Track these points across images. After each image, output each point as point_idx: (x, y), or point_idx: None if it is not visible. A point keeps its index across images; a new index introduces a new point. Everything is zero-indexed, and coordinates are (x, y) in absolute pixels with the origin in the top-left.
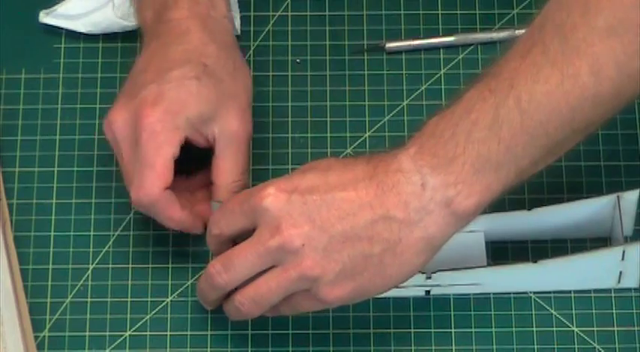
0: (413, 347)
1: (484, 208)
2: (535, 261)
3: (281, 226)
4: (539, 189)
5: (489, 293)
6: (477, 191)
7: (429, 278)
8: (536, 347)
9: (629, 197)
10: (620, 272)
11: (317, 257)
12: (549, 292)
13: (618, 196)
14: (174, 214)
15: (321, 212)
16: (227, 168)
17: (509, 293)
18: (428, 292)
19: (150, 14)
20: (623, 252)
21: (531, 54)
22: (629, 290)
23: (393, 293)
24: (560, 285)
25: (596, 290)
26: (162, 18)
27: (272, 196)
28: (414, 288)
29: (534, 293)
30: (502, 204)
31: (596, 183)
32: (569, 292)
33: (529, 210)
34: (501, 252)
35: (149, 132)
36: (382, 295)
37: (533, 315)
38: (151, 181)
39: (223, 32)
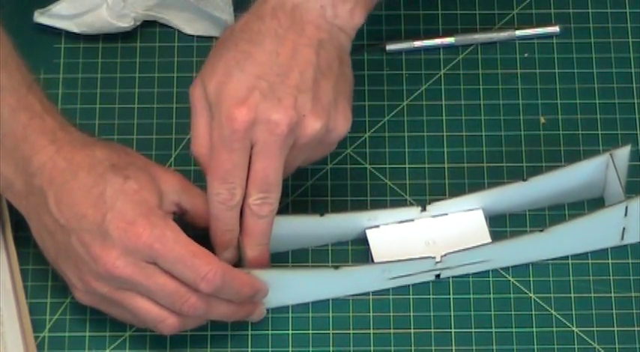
0: (413, 348)
1: None
2: (542, 230)
3: (242, 101)
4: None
5: (490, 294)
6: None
7: (439, 261)
8: (536, 347)
9: (621, 153)
10: (624, 229)
11: (303, 104)
12: (549, 291)
13: (611, 154)
14: (245, 278)
15: (280, 80)
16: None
17: (509, 267)
18: (438, 276)
19: (19, 183)
20: (626, 208)
21: None
22: (628, 290)
23: (406, 280)
24: (565, 251)
25: (596, 290)
26: (32, 170)
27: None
28: (424, 274)
29: (535, 294)
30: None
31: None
32: (569, 292)
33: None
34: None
35: (159, 239)
36: (382, 290)
37: (533, 315)
38: (208, 260)
39: (84, 138)
